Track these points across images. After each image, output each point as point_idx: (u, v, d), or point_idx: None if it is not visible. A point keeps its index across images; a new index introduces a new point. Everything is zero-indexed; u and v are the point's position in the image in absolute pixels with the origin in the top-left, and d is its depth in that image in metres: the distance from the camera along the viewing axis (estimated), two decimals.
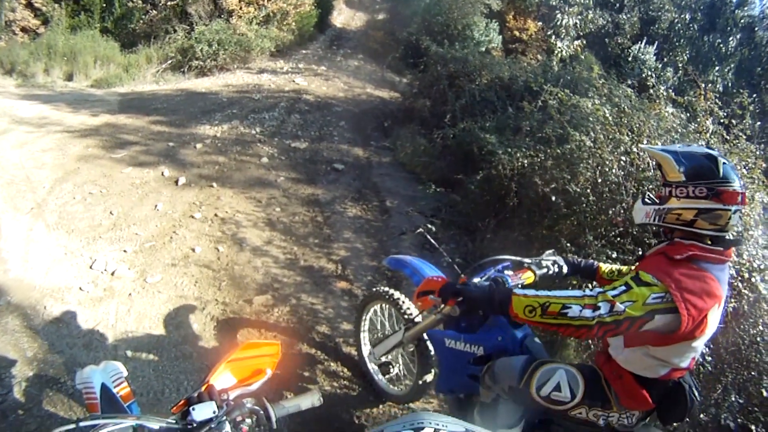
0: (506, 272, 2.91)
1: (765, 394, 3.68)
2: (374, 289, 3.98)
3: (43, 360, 4.07)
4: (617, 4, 24.97)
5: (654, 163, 2.66)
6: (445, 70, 11.21)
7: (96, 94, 13.21)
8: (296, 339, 4.70)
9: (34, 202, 6.64)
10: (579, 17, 21.01)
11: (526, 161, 5.55)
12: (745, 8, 23.23)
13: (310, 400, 1.76)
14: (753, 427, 3.71)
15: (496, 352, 2.82)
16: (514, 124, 7.92)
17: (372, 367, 4.06)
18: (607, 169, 4.51)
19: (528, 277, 2.96)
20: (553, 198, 4.78)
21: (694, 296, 2.04)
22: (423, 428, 1.28)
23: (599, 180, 4.54)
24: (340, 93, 14.36)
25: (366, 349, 4.13)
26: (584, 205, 4.47)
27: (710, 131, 4.65)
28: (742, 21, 22.87)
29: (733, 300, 3.82)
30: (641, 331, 2.12)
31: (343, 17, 26.01)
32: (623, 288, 2.08)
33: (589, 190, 4.51)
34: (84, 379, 2.22)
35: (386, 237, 6.84)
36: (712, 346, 3.79)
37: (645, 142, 4.51)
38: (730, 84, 20.60)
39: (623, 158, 4.49)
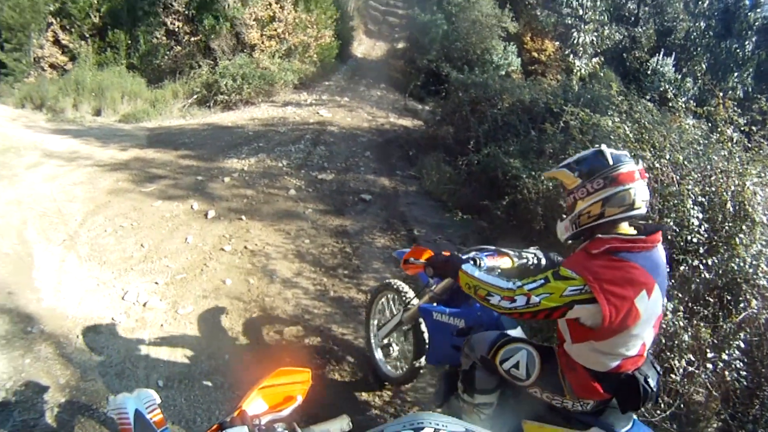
0: (487, 255, 3.19)
1: None
2: (382, 282, 4.47)
3: (75, 387, 4.15)
4: (632, 18, 25.17)
5: (559, 182, 2.71)
6: (467, 95, 11.33)
7: (124, 129, 13.63)
8: (326, 367, 4.74)
9: (66, 234, 6.84)
10: (595, 34, 21.17)
11: (550, 184, 5.55)
12: (759, 10, 23.21)
13: (339, 425, 1.78)
14: None
15: (475, 325, 3.20)
16: (537, 147, 7.95)
17: (376, 352, 4.49)
18: None
19: (505, 263, 3.24)
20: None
21: (614, 286, 2.21)
22: (423, 428, 1.27)
23: None
24: (364, 123, 14.56)
25: (373, 336, 4.54)
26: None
27: (733, 140, 4.62)
28: (757, 24, 22.83)
29: (765, 311, 3.83)
30: (579, 326, 2.37)
31: (363, 47, 26.42)
32: (541, 282, 2.33)
33: None
34: (117, 405, 2.26)
35: None
36: (746, 360, 3.78)
37: (667, 156, 4.51)
38: (750, 89, 20.61)
39: (646, 175, 4.50)
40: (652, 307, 2.33)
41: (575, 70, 20.27)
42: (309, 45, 19.03)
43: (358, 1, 30.11)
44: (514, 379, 2.73)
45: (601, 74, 19.16)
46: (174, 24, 18.26)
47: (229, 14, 17.89)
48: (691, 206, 4.13)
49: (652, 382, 2.45)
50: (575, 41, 20.91)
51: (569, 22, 21.22)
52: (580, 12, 21.04)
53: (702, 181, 4.41)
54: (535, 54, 21.82)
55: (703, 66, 22.53)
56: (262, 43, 17.88)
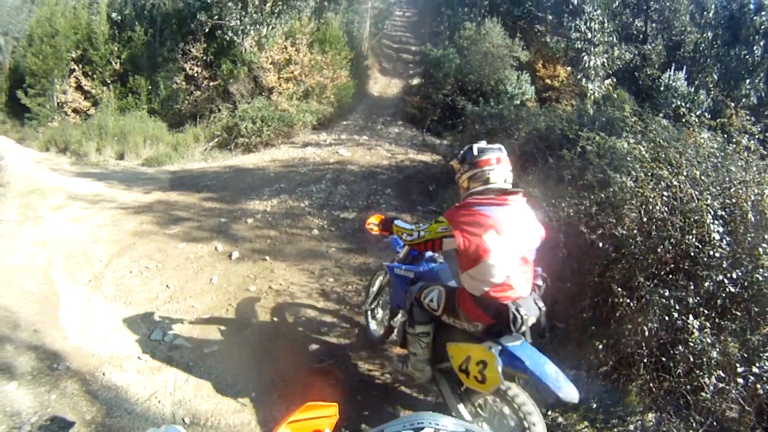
0: None
1: None
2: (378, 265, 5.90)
3: (101, 423, 4.20)
4: (641, 36, 25.33)
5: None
6: (483, 128, 11.49)
7: (147, 172, 14.00)
8: (353, 402, 4.70)
9: (91, 275, 7.00)
10: (606, 56, 21.35)
11: (571, 210, 5.55)
12: (764, 13, 23.27)
13: None
14: None
15: (421, 277, 4.43)
16: (556, 174, 7.92)
17: (367, 318, 5.65)
18: (651, 207, 4.54)
19: None
20: (600, 244, 4.77)
21: (467, 226, 3.31)
22: (423, 428, 1.29)
23: (644, 219, 4.57)
24: (383, 161, 14.73)
25: (366, 306, 5.68)
26: (632, 246, 4.49)
27: (749, 149, 4.65)
28: (763, 27, 22.89)
29: None
30: (459, 257, 3.44)
31: (379, 85, 26.82)
32: (426, 225, 3.59)
33: (635, 231, 4.54)
34: None
35: None
36: None
37: (685, 173, 4.52)
38: (763, 94, 20.68)
39: (665, 193, 4.52)
40: (504, 245, 3.29)
41: (589, 94, 20.42)
42: (326, 86, 19.46)
43: (371, 40, 30.76)
44: (432, 311, 3.78)
45: (615, 95, 19.25)
46: (193, 69, 18.85)
47: (246, 58, 18.37)
48: (711, 221, 4.14)
49: (524, 311, 3.27)
50: (586, 65, 21.11)
51: (579, 46, 21.48)
52: (589, 35, 21.25)
53: (721, 194, 4.42)
54: (548, 81, 22.04)
55: (715, 76, 22.70)
56: (280, 85, 18.30)
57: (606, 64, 21.59)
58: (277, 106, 17.47)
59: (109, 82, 20.09)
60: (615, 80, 21.98)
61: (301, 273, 7.45)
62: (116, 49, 20.52)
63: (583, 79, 21.12)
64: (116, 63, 20.30)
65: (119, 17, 21.60)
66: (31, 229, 8.39)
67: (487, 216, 3.29)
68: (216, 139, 16.66)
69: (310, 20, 20.63)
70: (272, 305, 6.44)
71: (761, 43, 22.88)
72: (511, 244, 3.32)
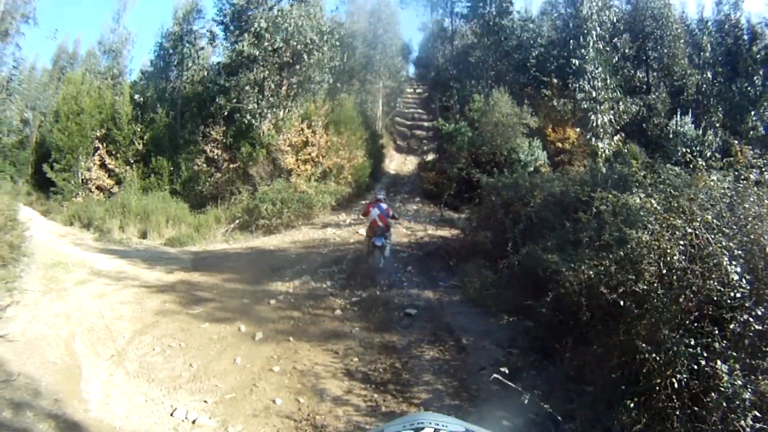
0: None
1: None
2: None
3: None
4: (644, 86, 25.76)
5: None
6: (499, 198, 11.66)
7: (169, 252, 14.35)
8: None
9: (114, 350, 7.15)
10: (612, 112, 21.61)
11: (591, 272, 5.59)
12: (758, 41, 23.74)
13: None
14: None
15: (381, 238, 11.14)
16: (573, 238, 8.00)
17: (374, 252, 11.30)
18: (669, 258, 4.61)
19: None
20: (622, 303, 4.80)
21: (366, 207, 12.38)
22: (423, 428, 1.26)
23: (664, 271, 4.62)
24: (403, 238, 14.90)
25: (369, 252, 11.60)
26: (654, 300, 4.54)
27: (759, 183, 4.81)
28: (759, 56, 23.23)
29: None
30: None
31: (395, 163, 27.34)
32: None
33: (656, 284, 4.60)
34: None
35: (466, 375, 6.79)
36: None
37: (698, 219, 4.60)
38: None
39: (681, 242, 4.57)
40: (375, 211, 11.27)
41: (599, 153, 20.58)
42: (343, 166, 19.93)
43: (385, 119, 31.64)
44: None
45: (626, 150, 19.36)
46: (213, 152, 19.54)
47: (265, 141, 18.98)
48: (728, 262, 4.17)
49: (380, 230, 11.17)
50: (594, 124, 21.38)
51: (585, 106, 21.80)
52: (594, 94, 21.63)
53: (738, 232, 4.47)
54: (559, 144, 22.27)
55: (720, 115, 22.92)
56: (298, 167, 18.78)
57: (613, 120, 21.88)
58: (296, 188, 17.90)
59: (132, 161, 20.94)
60: (624, 135, 22.21)
61: (325, 353, 7.49)
62: (139, 129, 21.53)
63: (593, 139, 21.37)
64: (139, 143, 21.24)
65: (142, 99, 22.79)
66: (54, 301, 8.61)
67: (372, 205, 11.47)
68: (237, 221, 17.02)
69: (325, 102, 21.36)
70: (297, 385, 6.45)
71: (761, 72, 23.29)
72: (377, 211, 11.19)
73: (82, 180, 20.32)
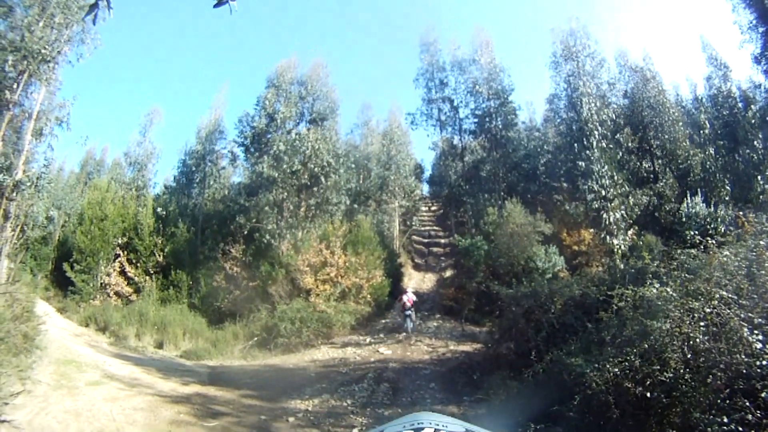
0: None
1: None
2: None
3: None
4: (651, 176, 25.98)
5: None
6: (519, 309, 11.70)
7: (186, 364, 14.34)
8: None
9: None
10: (623, 207, 21.82)
11: (616, 369, 5.57)
12: (752, 106, 24.07)
13: None
14: None
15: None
16: (597, 338, 7.96)
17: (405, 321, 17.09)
18: (692, 342, 4.65)
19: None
20: (648, 394, 4.77)
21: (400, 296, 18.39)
22: (423, 428, 1.34)
23: (689, 355, 4.65)
24: (425, 356, 14.84)
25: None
26: (682, 386, 4.55)
27: None
28: (755, 120, 23.52)
29: None
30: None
31: (414, 281, 27.44)
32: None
33: (682, 370, 4.63)
34: None
35: None
36: None
37: (717, 297, 4.64)
38: None
39: (702, 324, 4.60)
40: (405, 297, 17.67)
41: (615, 249, 20.63)
42: (362, 286, 20.13)
43: (402, 238, 32.16)
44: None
45: (640, 243, 19.35)
46: (233, 269, 19.92)
47: (284, 261, 19.40)
48: (748, 333, 4.18)
49: (408, 308, 17.51)
50: (607, 222, 21.55)
51: (596, 205, 22.15)
52: (603, 192, 21.95)
53: (759, 300, 4.48)
54: (575, 247, 22.59)
55: (728, 188, 22.93)
56: (317, 287, 19.01)
57: (625, 215, 22.18)
58: (315, 307, 17.98)
59: (152, 272, 21.52)
60: (638, 227, 22.42)
61: None
62: (160, 242, 22.30)
63: (607, 237, 21.53)
64: (160, 255, 21.95)
65: (164, 212, 23.84)
66: (65, 397, 8.67)
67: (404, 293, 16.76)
68: (255, 338, 17.00)
69: (342, 223, 22.06)
70: None
71: (760, 136, 23.54)
72: (407, 297, 16.76)
73: (101, 284, 20.79)
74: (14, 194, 14.62)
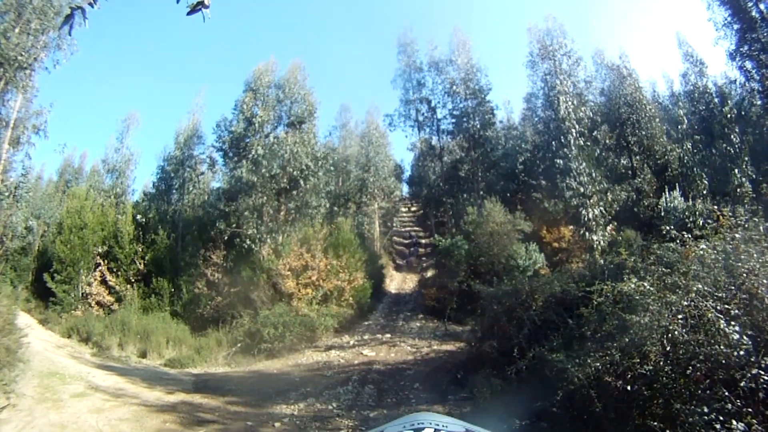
0: None
1: None
2: None
3: None
4: (629, 172, 26.50)
5: None
6: (501, 307, 11.77)
7: (170, 372, 14.27)
8: None
9: None
10: (602, 204, 22.15)
11: (597, 364, 5.68)
12: (728, 101, 24.77)
13: None
14: None
15: None
16: (578, 334, 8.07)
17: None
18: (671, 335, 4.78)
19: None
20: (629, 387, 4.88)
21: None
22: (423, 428, 1.36)
23: (668, 348, 4.77)
24: (408, 356, 14.92)
25: None
26: (663, 378, 4.66)
27: (749, 241, 5.07)
28: (731, 114, 24.17)
29: None
30: None
31: (395, 283, 27.49)
32: None
33: (662, 362, 4.74)
34: None
35: None
36: None
37: (694, 290, 4.76)
38: (754, 176, 21.47)
39: (680, 316, 4.73)
40: None
41: (595, 246, 20.93)
42: (343, 289, 20.20)
43: (383, 239, 32.26)
44: None
45: (620, 238, 19.64)
46: (214, 275, 19.87)
47: (265, 266, 19.39)
48: (725, 325, 4.31)
49: None
50: (586, 218, 21.85)
51: (575, 202, 22.49)
52: (582, 189, 22.31)
53: (737, 291, 4.61)
54: (555, 244, 22.96)
55: (705, 182, 23.43)
56: (299, 291, 19.05)
57: (604, 211, 22.50)
58: (298, 312, 18.02)
59: (133, 280, 21.32)
60: (617, 223, 22.73)
61: None
62: (140, 249, 22.12)
63: (587, 233, 21.83)
64: (140, 263, 21.77)
65: (144, 219, 23.66)
66: (50, 410, 8.62)
67: None
68: (239, 344, 16.95)
69: (323, 226, 22.12)
70: None
71: (736, 130, 24.09)
72: None
73: (82, 294, 20.59)
74: None
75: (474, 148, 29.55)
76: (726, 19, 22.72)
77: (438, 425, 1.40)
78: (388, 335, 17.71)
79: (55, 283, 20.19)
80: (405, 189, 47.35)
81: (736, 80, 24.98)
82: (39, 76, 16.29)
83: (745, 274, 4.77)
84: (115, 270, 21.31)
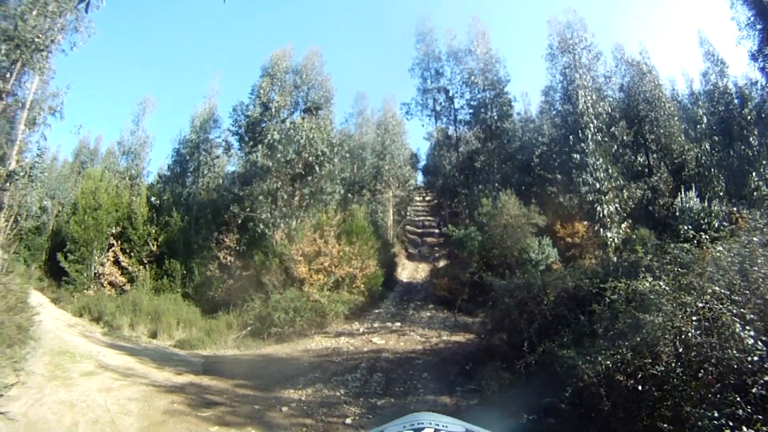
0: None
1: None
2: None
3: None
4: (646, 170, 26.13)
5: None
6: (513, 300, 11.64)
7: (179, 354, 14.38)
8: None
9: None
10: (617, 201, 21.94)
11: (608, 362, 5.61)
12: (748, 103, 24.37)
13: None
14: None
15: None
16: (589, 330, 7.98)
17: None
18: (684, 336, 4.70)
19: None
20: (640, 387, 4.81)
21: None
22: (423, 428, 1.34)
23: (681, 349, 4.69)
24: (417, 346, 14.88)
25: None
26: (674, 380, 4.60)
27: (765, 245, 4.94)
28: (751, 117, 23.80)
29: None
30: None
31: (407, 271, 27.45)
32: None
33: (674, 364, 4.66)
34: None
35: None
36: None
37: (709, 293, 4.67)
38: None
39: (694, 318, 4.64)
40: None
41: (609, 242, 20.82)
42: (355, 276, 20.11)
43: (396, 228, 32.16)
44: None
45: (634, 236, 19.45)
46: (226, 259, 19.94)
47: (278, 250, 19.39)
48: (740, 329, 4.23)
49: None
50: (601, 215, 21.68)
51: (591, 198, 22.31)
52: (597, 185, 22.13)
53: (752, 296, 4.53)
54: (569, 239, 22.71)
55: (722, 183, 23.26)
56: (311, 276, 19.01)
57: (619, 208, 22.31)
58: (309, 297, 17.98)
59: (145, 261, 21.50)
60: (631, 221, 22.57)
61: None
62: (154, 231, 22.25)
63: (601, 229, 21.68)
64: (153, 245, 21.90)
65: (158, 201, 23.76)
66: (59, 388, 8.69)
67: None
68: (249, 328, 17.03)
69: (336, 212, 22.13)
70: None
71: (755, 132, 23.76)
72: None
73: (95, 274, 20.76)
74: (7, 184, 14.59)
75: (490, 139, 29.41)
76: (749, 19, 22.32)
77: (438, 425, 1.38)
78: (398, 324, 17.70)
79: (68, 262, 20.37)
80: (420, 178, 47.05)
81: (757, 82, 24.78)
82: (56, 58, 16.33)
83: (761, 279, 4.68)
84: (128, 251, 21.48)
